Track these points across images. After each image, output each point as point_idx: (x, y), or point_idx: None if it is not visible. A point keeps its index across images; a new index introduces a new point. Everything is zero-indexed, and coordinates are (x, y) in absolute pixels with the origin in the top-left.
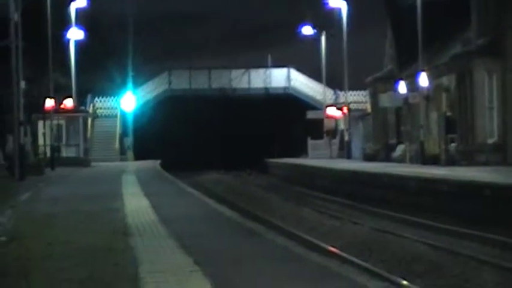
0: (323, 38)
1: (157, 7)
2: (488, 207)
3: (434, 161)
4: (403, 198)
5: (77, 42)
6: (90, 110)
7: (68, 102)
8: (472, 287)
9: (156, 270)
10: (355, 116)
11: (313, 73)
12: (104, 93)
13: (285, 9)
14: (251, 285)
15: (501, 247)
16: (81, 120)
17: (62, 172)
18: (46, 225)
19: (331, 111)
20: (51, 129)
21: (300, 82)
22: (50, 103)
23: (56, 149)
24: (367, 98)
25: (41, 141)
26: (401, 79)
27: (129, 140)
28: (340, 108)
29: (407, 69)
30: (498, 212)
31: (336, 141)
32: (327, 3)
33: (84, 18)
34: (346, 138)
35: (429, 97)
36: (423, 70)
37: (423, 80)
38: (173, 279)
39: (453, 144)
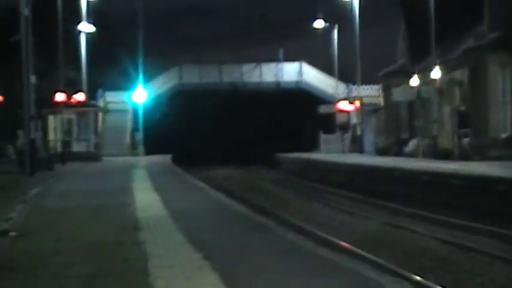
0: (335, 32)
1: (167, 1)
2: (501, 202)
3: (447, 155)
4: (415, 192)
5: (88, 36)
6: (101, 104)
7: (79, 97)
8: (483, 281)
9: (165, 265)
10: (367, 110)
11: (326, 67)
12: (114, 87)
13: (296, 3)
14: (259, 280)
15: None
16: (92, 115)
17: (72, 167)
18: (55, 220)
19: (344, 105)
20: (62, 124)
21: (312, 76)
22: (60, 97)
23: (66, 144)
24: (380, 92)
25: (51, 136)
26: (415, 73)
27: (139, 135)
28: (352, 102)
29: (420, 63)
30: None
31: (348, 135)
32: None
33: (95, 12)
34: (359, 132)
35: (442, 91)
36: (436, 64)
37: (436, 74)
38: (182, 274)
39: (466, 139)
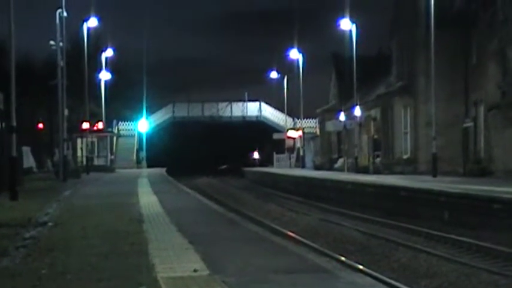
0: (285, 80)
1: (165, 53)
2: (404, 204)
3: (364, 170)
4: (342, 196)
5: (106, 81)
6: (115, 131)
7: (99, 125)
8: (390, 262)
9: (161, 247)
10: (308, 137)
11: (279, 105)
12: (125, 118)
13: (258, 57)
14: (230, 258)
15: (412, 233)
16: (108, 138)
17: (94, 176)
18: (82, 214)
19: (291, 133)
20: (87, 145)
21: (268, 112)
22: (85, 125)
23: (89, 159)
24: (317, 124)
25: (79, 153)
26: (342, 111)
27: (143, 153)
28: (297, 131)
29: (346, 103)
30: (410, 207)
31: (294, 155)
32: (288, 55)
33: (111, 63)
34: (301, 153)
35: (361, 124)
36: (357, 104)
37: (357, 111)
38: (173, 254)
39: (378, 159)
